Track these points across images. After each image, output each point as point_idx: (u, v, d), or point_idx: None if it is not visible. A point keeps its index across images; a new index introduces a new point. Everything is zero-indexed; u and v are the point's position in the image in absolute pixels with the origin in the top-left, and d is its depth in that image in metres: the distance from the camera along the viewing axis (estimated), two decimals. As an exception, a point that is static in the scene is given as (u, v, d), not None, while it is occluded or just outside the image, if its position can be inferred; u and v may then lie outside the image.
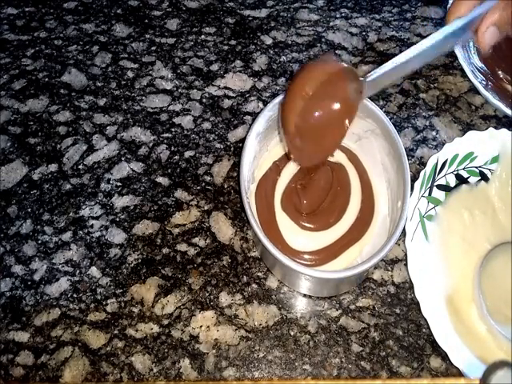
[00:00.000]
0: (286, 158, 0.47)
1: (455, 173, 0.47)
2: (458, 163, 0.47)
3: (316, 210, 0.45)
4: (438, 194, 0.46)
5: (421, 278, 0.42)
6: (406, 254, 0.46)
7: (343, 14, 0.58)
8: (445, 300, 0.43)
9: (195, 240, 0.47)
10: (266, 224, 0.43)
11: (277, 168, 0.46)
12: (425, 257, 0.44)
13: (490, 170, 0.47)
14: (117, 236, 0.47)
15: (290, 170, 0.46)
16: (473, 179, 0.47)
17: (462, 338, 0.41)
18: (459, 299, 0.43)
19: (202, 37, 0.57)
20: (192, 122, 0.52)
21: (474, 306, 0.43)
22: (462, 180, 0.47)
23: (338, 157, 0.47)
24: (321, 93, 0.36)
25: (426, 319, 0.41)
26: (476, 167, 0.47)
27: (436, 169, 0.46)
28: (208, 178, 0.50)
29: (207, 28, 0.57)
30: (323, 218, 0.45)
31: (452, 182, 0.47)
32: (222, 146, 0.51)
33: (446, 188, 0.46)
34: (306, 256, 0.43)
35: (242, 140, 0.51)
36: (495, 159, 0.47)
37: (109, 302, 0.45)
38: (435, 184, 0.46)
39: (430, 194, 0.46)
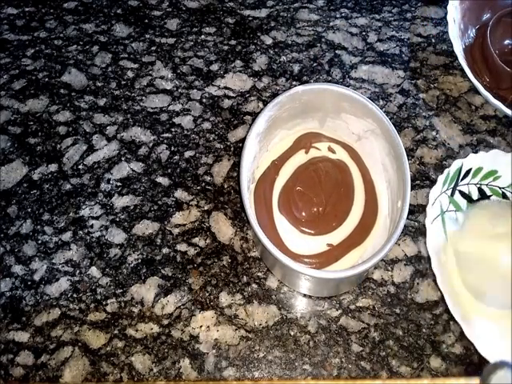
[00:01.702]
0: (285, 156, 0.47)
1: (478, 186, 0.47)
2: (482, 177, 0.47)
3: (316, 217, 0.44)
4: (460, 200, 0.46)
5: (437, 252, 0.43)
6: (406, 255, 0.46)
7: (343, 14, 0.58)
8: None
9: (195, 240, 0.47)
10: (265, 227, 0.43)
11: (275, 167, 0.46)
12: (443, 244, 0.44)
13: None
14: (117, 236, 0.47)
15: (289, 168, 0.46)
16: (495, 198, 0.47)
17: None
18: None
19: (202, 37, 0.57)
20: (192, 122, 0.52)
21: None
22: (483, 196, 0.47)
23: (340, 155, 0.47)
24: None
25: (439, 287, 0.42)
26: (499, 187, 0.47)
27: (460, 173, 0.46)
28: (208, 178, 0.50)
29: (207, 28, 0.57)
30: (325, 222, 0.44)
31: (474, 194, 0.47)
32: (221, 146, 0.51)
33: (468, 198, 0.47)
34: (306, 260, 0.43)
35: (242, 140, 0.51)
36: None
37: (109, 301, 0.45)
38: (458, 188, 0.46)
39: (452, 194, 0.46)
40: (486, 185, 0.47)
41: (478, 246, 0.44)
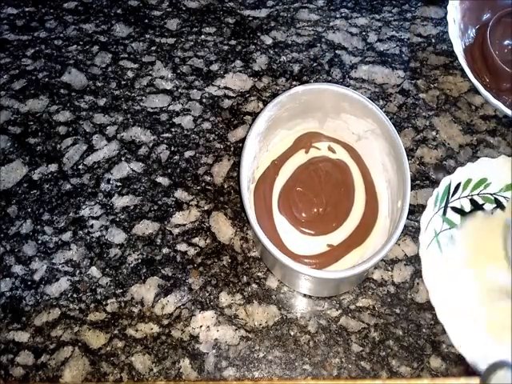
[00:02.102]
0: (285, 156, 0.47)
1: (469, 198, 0.46)
2: (472, 188, 0.46)
3: (316, 218, 0.44)
4: (454, 216, 0.46)
5: (435, 283, 0.42)
6: (406, 255, 0.46)
7: (343, 14, 0.58)
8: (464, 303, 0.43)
9: (195, 240, 0.47)
10: (265, 227, 0.43)
11: (275, 167, 0.46)
12: (440, 265, 0.44)
13: (505, 197, 0.47)
14: (117, 236, 0.47)
15: (289, 168, 0.46)
16: (488, 206, 0.47)
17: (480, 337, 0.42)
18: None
19: (202, 37, 0.57)
20: (192, 122, 0.52)
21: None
22: (476, 206, 0.47)
23: (341, 155, 0.47)
24: None
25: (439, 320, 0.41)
26: (491, 194, 0.47)
27: (449, 190, 0.46)
28: (208, 178, 0.50)
29: (207, 28, 0.57)
30: (325, 222, 0.44)
31: (467, 207, 0.46)
32: (221, 146, 0.51)
33: (461, 212, 0.46)
34: (306, 260, 0.43)
35: (242, 140, 0.51)
36: (509, 187, 0.47)
37: (109, 301, 0.45)
38: (449, 205, 0.46)
39: (444, 213, 0.46)
40: (478, 194, 0.47)
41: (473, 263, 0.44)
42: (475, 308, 0.43)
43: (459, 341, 0.41)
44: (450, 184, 0.46)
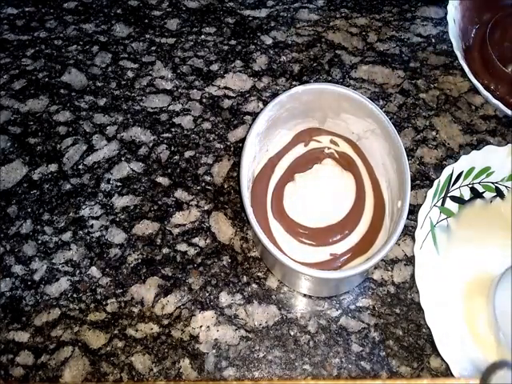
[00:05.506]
0: (282, 152, 0.45)
1: (470, 186, 0.46)
2: (474, 176, 0.46)
3: (317, 230, 0.42)
4: (451, 205, 0.45)
5: (427, 285, 0.42)
6: (406, 255, 0.46)
7: (343, 14, 0.58)
8: (452, 309, 0.42)
9: (195, 240, 0.47)
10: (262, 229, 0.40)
11: (272, 163, 0.45)
12: (433, 267, 0.43)
13: (506, 187, 0.46)
14: (117, 236, 0.47)
15: (285, 163, 0.45)
16: (488, 194, 0.46)
17: (465, 346, 0.41)
18: (468, 310, 0.43)
19: (202, 37, 0.57)
20: (192, 122, 0.52)
21: (482, 316, 0.42)
22: (476, 194, 0.46)
23: (344, 148, 0.46)
24: None
25: (427, 324, 0.41)
26: (492, 183, 0.46)
27: (451, 180, 0.45)
28: (208, 178, 0.50)
29: (207, 28, 0.57)
30: (330, 234, 0.41)
31: (466, 195, 0.46)
32: (221, 146, 0.51)
33: (459, 200, 0.46)
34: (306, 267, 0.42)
35: (242, 140, 0.51)
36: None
37: (109, 301, 0.45)
38: (449, 195, 0.45)
39: (442, 204, 0.45)
40: (479, 183, 0.46)
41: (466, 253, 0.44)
42: (464, 310, 0.43)
43: (445, 349, 0.40)
44: (451, 174, 0.45)
